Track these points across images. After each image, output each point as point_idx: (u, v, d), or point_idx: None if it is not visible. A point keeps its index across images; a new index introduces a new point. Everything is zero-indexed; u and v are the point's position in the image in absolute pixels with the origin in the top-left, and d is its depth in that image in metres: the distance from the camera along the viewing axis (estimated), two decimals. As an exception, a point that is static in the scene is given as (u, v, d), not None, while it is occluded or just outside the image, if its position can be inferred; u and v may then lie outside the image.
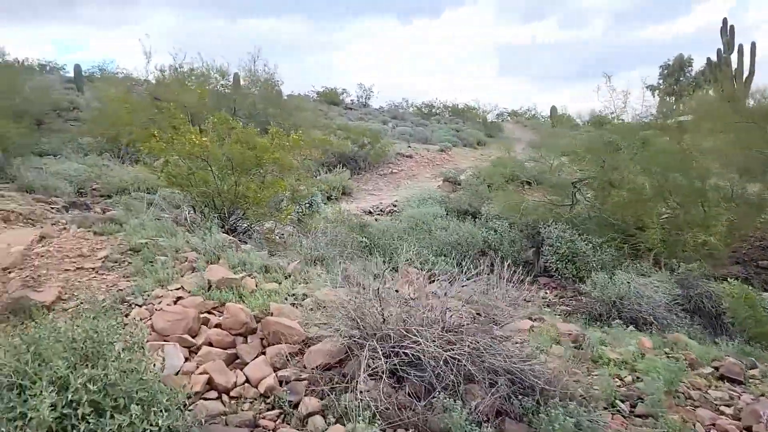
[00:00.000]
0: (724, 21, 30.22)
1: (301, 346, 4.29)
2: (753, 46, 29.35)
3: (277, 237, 9.32)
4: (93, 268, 5.85)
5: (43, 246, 6.67)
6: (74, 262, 5.98)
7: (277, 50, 62.93)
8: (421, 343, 3.66)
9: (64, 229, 7.28)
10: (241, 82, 18.01)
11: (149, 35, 21.83)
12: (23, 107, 15.22)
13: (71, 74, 27.65)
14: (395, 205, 12.76)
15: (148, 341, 3.75)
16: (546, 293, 9.26)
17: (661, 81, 52.14)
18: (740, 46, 29.59)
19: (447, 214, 11.13)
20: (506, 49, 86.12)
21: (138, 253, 6.26)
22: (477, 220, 11.24)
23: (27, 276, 5.74)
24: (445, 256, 9.47)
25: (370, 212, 12.07)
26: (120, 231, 7.02)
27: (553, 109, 30.01)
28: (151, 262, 5.88)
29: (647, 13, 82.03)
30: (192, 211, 8.50)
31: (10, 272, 6.14)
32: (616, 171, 9.88)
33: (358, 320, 4.02)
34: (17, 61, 22.85)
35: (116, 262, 6.07)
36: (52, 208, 9.83)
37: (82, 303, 4.98)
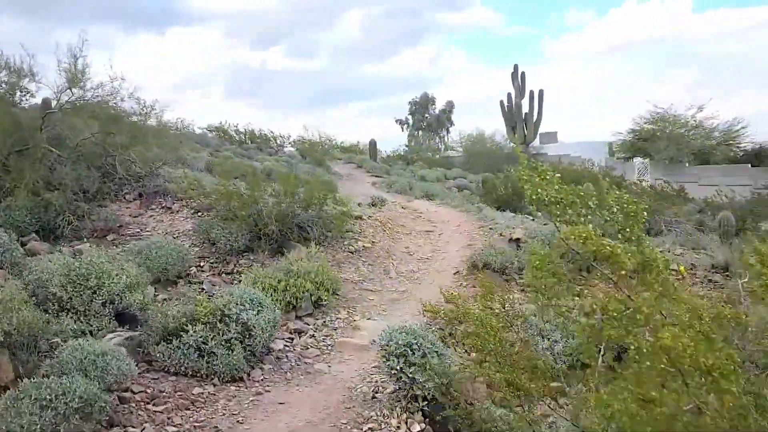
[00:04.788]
0: (515, 67, 31.24)
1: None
2: (541, 93, 30.79)
3: None
4: None
5: None
6: None
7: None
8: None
9: None
10: (59, 97, 9.67)
11: None
12: None
13: None
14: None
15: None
16: None
17: (410, 116, 53.86)
18: (531, 92, 30.80)
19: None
20: (234, 73, 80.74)
21: None
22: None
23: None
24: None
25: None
26: None
27: (373, 142, 26.62)
28: None
29: (366, 52, 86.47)
30: None
31: None
32: None
33: None
34: None
35: None
36: None
37: None
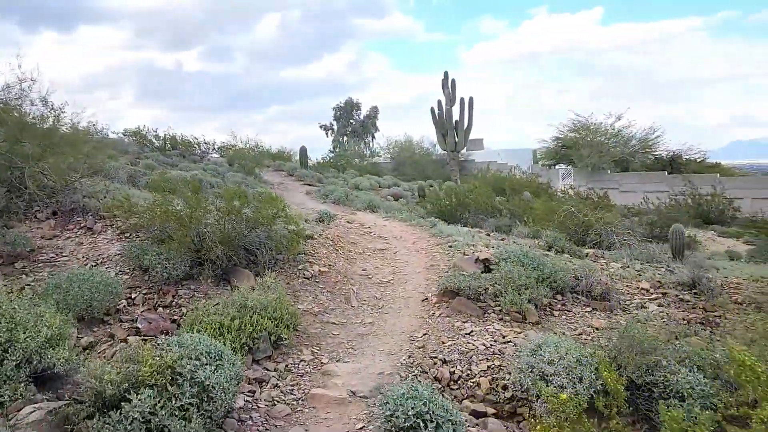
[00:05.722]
0: (446, 74, 30.99)
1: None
2: (471, 100, 30.69)
3: None
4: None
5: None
6: None
7: None
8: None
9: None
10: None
11: None
12: None
13: None
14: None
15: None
16: None
17: (335, 122, 52.76)
18: (461, 99, 30.65)
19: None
20: (146, 74, 76.81)
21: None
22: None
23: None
24: None
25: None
26: None
27: (303, 149, 25.41)
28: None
29: (285, 56, 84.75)
30: None
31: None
32: None
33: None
34: None
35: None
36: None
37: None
